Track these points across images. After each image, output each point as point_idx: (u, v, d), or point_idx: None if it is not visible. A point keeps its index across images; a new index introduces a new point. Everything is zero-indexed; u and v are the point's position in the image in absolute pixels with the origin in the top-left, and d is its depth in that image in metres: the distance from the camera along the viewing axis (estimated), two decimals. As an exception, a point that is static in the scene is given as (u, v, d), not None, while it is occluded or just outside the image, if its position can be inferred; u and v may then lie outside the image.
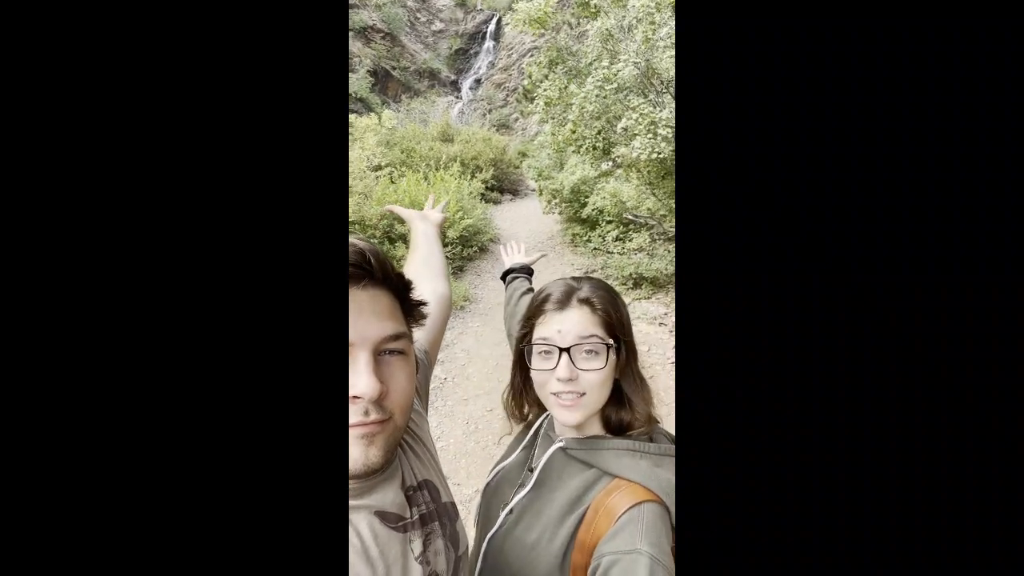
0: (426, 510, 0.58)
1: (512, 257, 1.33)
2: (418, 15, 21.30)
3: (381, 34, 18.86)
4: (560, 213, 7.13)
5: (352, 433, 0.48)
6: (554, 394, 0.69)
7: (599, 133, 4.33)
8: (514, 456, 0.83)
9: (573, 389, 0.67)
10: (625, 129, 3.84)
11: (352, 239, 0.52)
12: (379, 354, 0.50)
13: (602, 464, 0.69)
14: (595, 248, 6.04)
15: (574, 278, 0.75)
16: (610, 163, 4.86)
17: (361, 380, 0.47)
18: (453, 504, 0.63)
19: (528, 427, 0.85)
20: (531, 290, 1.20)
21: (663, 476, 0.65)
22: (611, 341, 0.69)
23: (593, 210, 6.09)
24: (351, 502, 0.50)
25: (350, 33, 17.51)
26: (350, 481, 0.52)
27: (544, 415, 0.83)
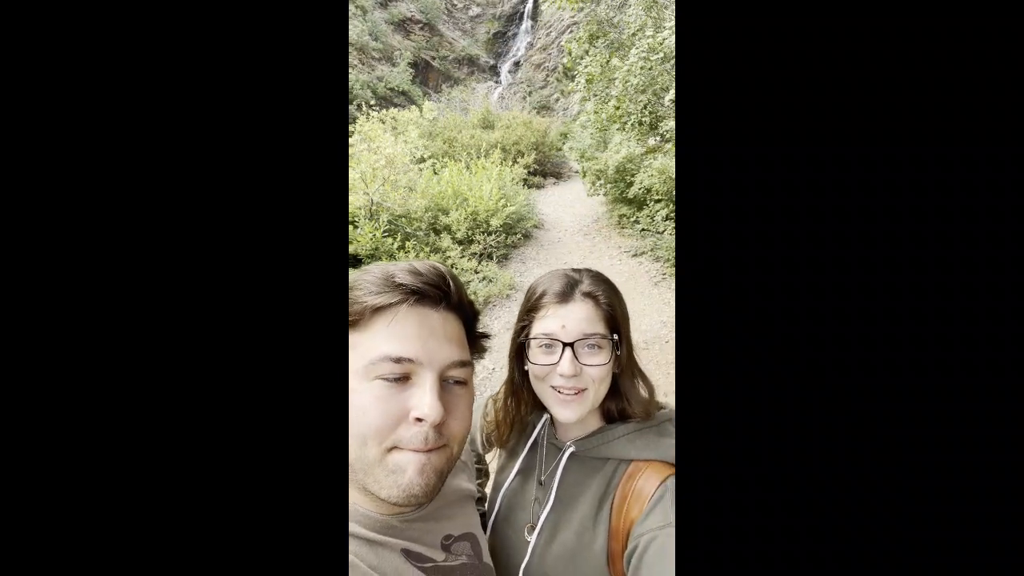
0: (464, 562, 0.56)
1: None
2: (454, 2, 21.21)
3: (420, 25, 18.98)
4: (605, 194, 6.91)
5: (408, 457, 0.47)
6: (554, 388, 0.68)
7: (645, 107, 4.12)
8: (512, 479, 0.79)
9: (575, 385, 0.66)
10: (674, 101, 3.62)
11: (434, 263, 0.54)
12: (443, 381, 0.50)
13: (617, 453, 0.69)
14: (643, 229, 5.81)
15: (574, 270, 0.73)
16: (658, 138, 4.62)
17: (426, 401, 0.47)
18: (492, 568, 0.62)
19: (515, 447, 0.82)
20: None
21: (670, 443, 0.67)
22: (615, 336, 0.68)
23: (640, 189, 5.85)
24: (383, 537, 0.49)
25: (390, 27, 17.74)
26: (392, 511, 0.50)
27: (541, 422, 0.79)
